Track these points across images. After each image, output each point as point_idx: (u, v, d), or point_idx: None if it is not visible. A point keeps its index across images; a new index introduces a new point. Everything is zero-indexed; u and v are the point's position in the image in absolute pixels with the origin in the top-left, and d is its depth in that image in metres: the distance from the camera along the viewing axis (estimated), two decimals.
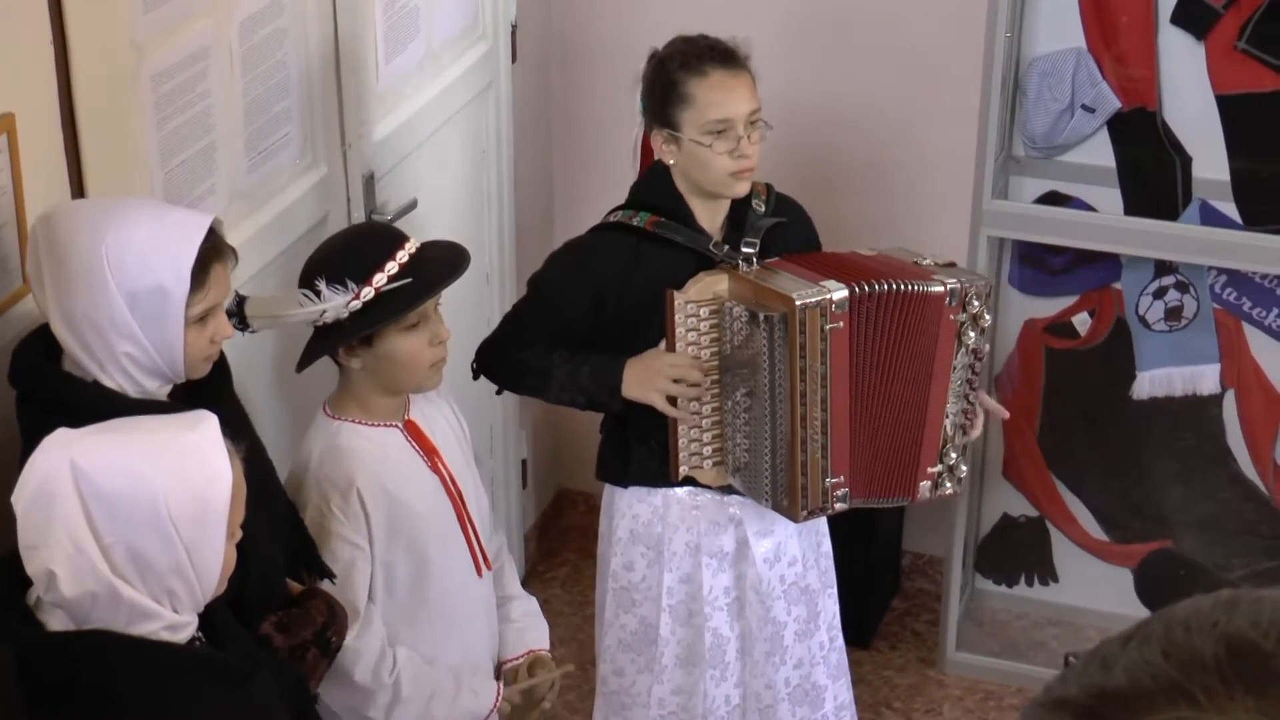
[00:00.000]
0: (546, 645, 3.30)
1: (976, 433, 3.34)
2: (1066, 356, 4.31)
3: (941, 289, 3.15)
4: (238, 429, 2.42)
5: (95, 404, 2.42)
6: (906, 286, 3.14)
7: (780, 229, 3.29)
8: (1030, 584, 4.56)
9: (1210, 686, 0.88)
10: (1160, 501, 4.36)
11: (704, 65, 3.14)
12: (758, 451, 3.20)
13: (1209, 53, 3.91)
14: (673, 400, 3.21)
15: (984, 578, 4.60)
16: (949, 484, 3.30)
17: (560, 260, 3.32)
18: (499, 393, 3.45)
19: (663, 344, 3.20)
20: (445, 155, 3.93)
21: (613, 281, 3.22)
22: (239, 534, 2.31)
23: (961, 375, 3.22)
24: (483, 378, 3.36)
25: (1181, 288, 4.16)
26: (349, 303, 2.83)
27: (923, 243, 4.14)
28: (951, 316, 3.16)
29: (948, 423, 3.25)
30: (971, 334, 3.19)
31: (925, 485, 3.28)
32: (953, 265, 3.28)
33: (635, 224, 3.23)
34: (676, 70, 3.16)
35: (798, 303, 3.04)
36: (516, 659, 3.25)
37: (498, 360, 3.31)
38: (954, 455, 3.27)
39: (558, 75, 4.51)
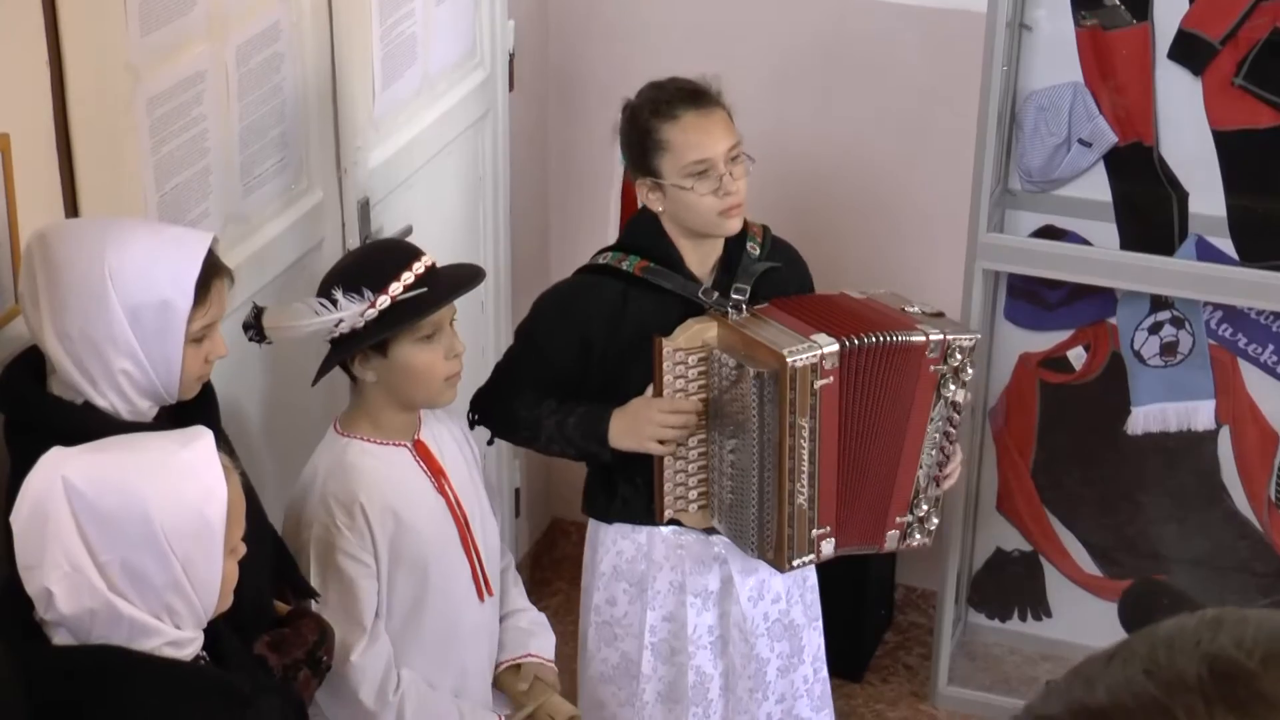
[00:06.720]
0: (550, 655, 3.27)
1: (951, 481, 3.28)
2: (1061, 391, 4.30)
3: (923, 339, 3.11)
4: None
5: (85, 426, 2.42)
6: (892, 338, 3.10)
7: (774, 274, 3.26)
8: (1023, 619, 4.55)
9: (1192, 706, 0.87)
10: (1154, 537, 4.35)
11: (675, 109, 3.12)
12: (744, 499, 3.17)
13: (1206, 88, 3.92)
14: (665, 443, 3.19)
15: (977, 612, 4.58)
16: (918, 535, 3.25)
17: (547, 308, 3.29)
18: (490, 442, 3.43)
19: (649, 391, 3.18)
20: (441, 182, 3.93)
21: (600, 326, 3.20)
22: (242, 549, 2.31)
23: (939, 427, 3.18)
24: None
25: (1177, 323, 4.16)
26: (365, 311, 2.84)
27: (918, 276, 4.16)
28: (932, 368, 3.12)
29: (921, 473, 3.21)
30: (952, 386, 3.14)
31: (893, 535, 3.24)
32: (941, 315, 3.24)
33: (624, 268, 3.21)
34: (649, 118, 3.14)
35: (789, 360, 3.00)
36: (516, 659, 3.22)
37: (491, 411, 3.30)
38: (925, 506, 3.24)
39: (555, 104, 4.51)
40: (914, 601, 4.70)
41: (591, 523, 3.45)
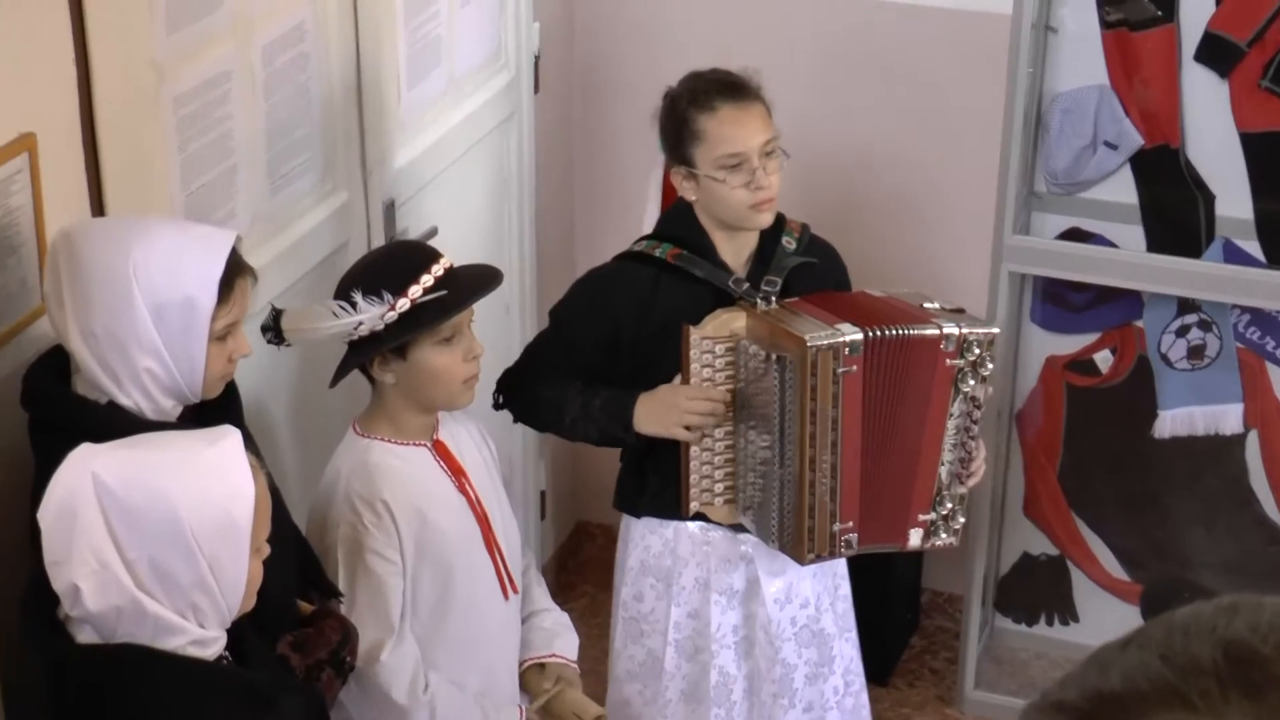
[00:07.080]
0: (574, 656, 3.26)
1: (976, 479, 3.26)
2: (1088, 394, 4.29)
3: (937, 333, 3.09)
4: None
5: (110, 425, 2.41)
6: (909, 331, 3.10)
7: (808, 269, 3.26)
8: (1050, 623, 4.53)
9: (1206, 690, 0.87)
10: (1182, 542, 4.33)
11: (713, 100, 3.13)
12: (768, 492, 3.17)
13: (1233, 90, 3.90)
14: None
15: (1004, 616, 4.57)
16: (944, 534, 3.23)
17: (581, 292, 3.31)
18: (515, 420, 3.44)
19: (677, 379, 3.18)
20: (466, 184, 3.94)
21: (630, 313, 3.21)
22: (267, 549, 2.31)
23: (959, 423, 3.16)
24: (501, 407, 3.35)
25: (1204, 326, 4.14)
26: (385, 314, 2.84)
27: (945, 278, 4.15)
28: (948, 361, 3.11)
29: (943, 470, 3.19)
30: (971, 381, 3.12)
31: (916, 533, 3.22)
32: (961, 311, 3.23)
33: (657, 255, 3.22)
34: (686, 108, 3.15)
35: (809, 344, 3.00)
36: (540, 658, 3.21)
37: (517, 392, 3.31)
38: (949, 505, 3.21)
39: (580, 106, 4.51)
40: (940, 606, 4.68)
41: (623, 519, 3.46)
